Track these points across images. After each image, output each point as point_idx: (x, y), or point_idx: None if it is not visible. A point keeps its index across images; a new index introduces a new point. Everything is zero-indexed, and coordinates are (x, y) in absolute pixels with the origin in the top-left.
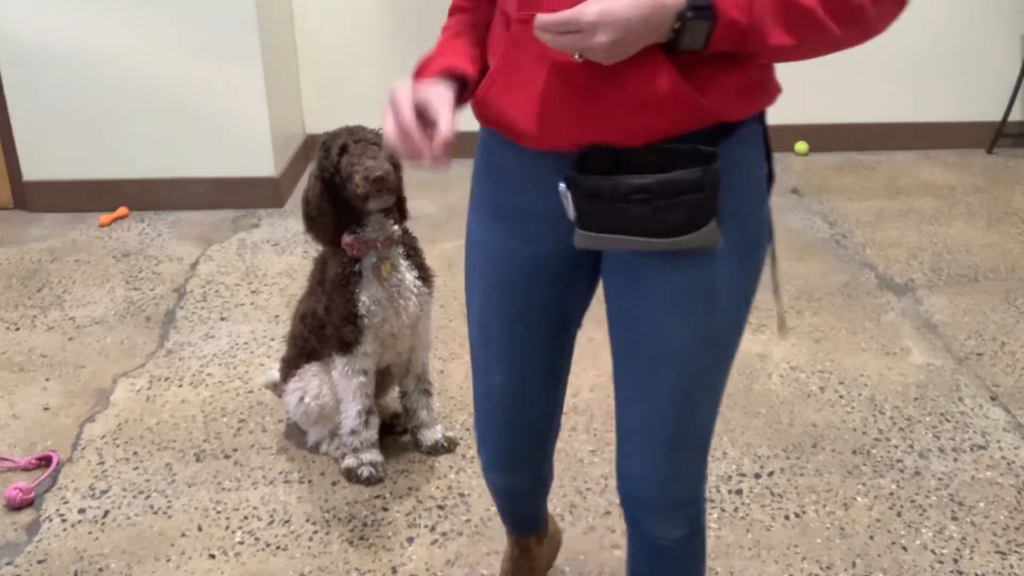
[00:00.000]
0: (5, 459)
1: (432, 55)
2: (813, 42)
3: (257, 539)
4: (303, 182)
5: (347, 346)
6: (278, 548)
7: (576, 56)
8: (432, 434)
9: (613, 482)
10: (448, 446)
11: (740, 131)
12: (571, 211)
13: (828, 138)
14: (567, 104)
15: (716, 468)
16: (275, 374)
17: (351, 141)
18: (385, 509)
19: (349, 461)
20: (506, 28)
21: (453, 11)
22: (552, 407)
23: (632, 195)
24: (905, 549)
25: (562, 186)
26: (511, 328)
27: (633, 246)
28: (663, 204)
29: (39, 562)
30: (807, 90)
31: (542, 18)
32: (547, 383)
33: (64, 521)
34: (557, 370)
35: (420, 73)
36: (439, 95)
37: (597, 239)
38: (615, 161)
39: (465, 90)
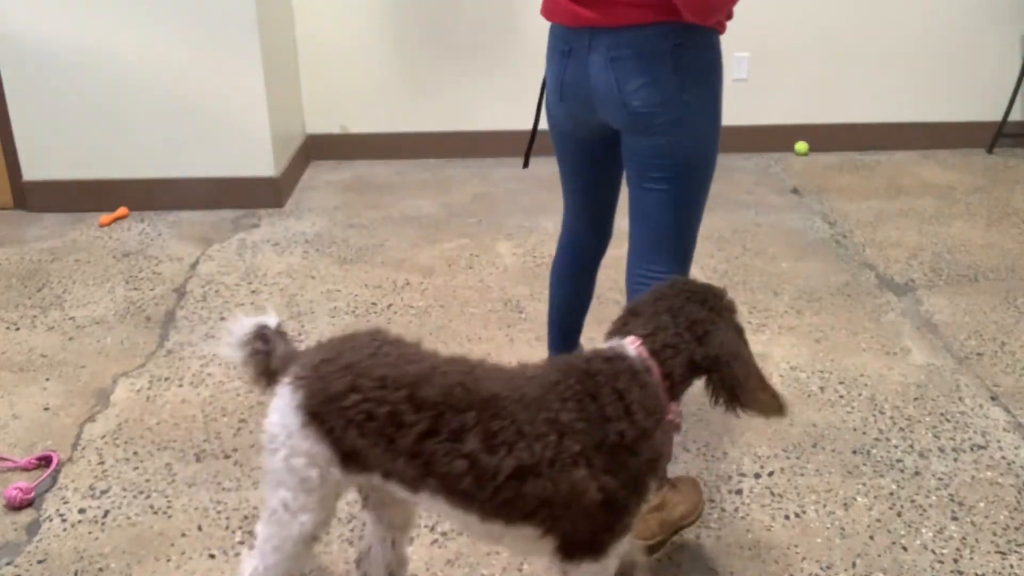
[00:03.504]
0: (5, 459)
1: None
2: None
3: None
4: (303, 182)
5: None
6: None
7: None
8: None
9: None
10: None
11: None
12: None
13: (828, 138)
14: None
15: (716, 468)
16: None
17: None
18: None
19: None
20: None
21: None
22: None
23: None
24: (905, 549)
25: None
26: None
27: None
28: None
29: (39, 562)
30: (807, 90)
31: None
32: None
33: (64, 521)
34: None
35: None
36: None
37: None
38: None
39: None
